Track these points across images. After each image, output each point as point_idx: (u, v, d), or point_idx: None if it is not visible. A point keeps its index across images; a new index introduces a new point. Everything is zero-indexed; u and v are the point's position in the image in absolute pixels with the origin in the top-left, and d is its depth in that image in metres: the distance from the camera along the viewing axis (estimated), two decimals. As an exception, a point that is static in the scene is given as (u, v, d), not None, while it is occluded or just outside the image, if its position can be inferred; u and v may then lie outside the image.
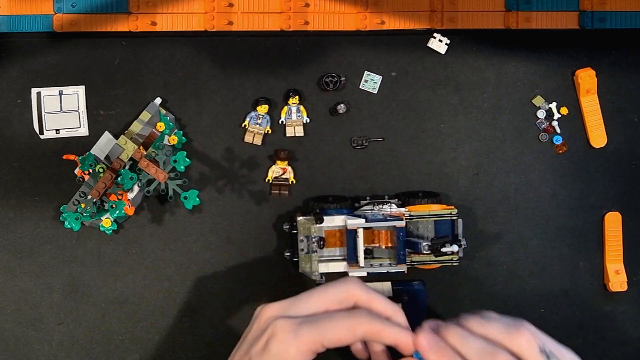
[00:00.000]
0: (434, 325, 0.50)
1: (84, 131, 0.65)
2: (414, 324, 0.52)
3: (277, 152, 0.65)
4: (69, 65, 0.65)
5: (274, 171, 0.66)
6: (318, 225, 0.62)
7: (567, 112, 0.68)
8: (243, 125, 0.66)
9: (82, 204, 0.61)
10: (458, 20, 0.66)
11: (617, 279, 0.68)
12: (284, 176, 0.66)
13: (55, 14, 0.63)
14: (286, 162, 0.66)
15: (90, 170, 0.62)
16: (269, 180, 0.66)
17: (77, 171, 0.64)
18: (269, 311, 0.49)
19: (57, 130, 0.65)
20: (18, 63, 0.65)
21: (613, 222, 0.69)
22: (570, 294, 0.69)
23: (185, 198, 0.62)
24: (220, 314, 0.66)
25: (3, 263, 0.65)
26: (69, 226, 0.63)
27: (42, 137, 0.65)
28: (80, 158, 0.62)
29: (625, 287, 0.68)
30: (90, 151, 0.64)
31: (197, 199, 0.63)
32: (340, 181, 0.67)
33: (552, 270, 0.69)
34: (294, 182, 0.66)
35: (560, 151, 0.69)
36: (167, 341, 0.66)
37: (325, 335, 0.46)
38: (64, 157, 0.64)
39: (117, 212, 0.62)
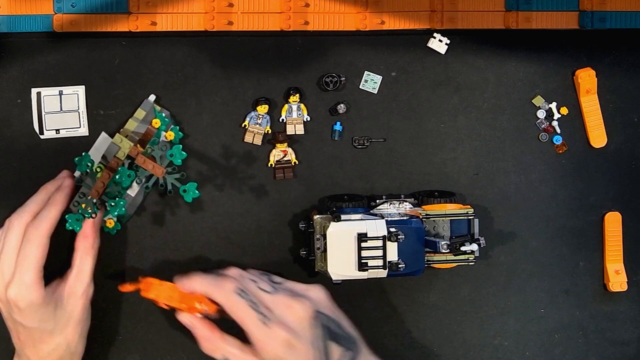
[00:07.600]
0: None
1: (84, 131, 0.65)
2: (413, 262, 0.61)
3: (275, 135, 0.65)
4: (69, 65, 0.65)
5: (275, 155, 0.66)
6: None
7: (567, 112, 0.68)
8: (243, 125, 0.66)
9: (82, 205, 0.61)
10: (458, 20, 0.66)
11: (617, 279, 0.68)
12: (285, 159, 0.66)
13: (55, 14, 0.63)
14: (285, 145, 0.66)
15: (88, 171, 0.62)
16: (271, 164, 0.66)
17: (77, 172, 0.64)
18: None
19: (57, 130, 0.65)
20: (18, 63, 0.65)
21: (613, 222, 0.69)
22: (570, 294, 0.69)
23: (185, 191, 0.62)
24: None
25: (3, 263, 0.65)
26: (70, 227, 0.63)
27: (42, 137, 0.65)
28: (77, 159, 0.62)
29: (625, 287, 0.68)
30: (88, 153, 0.64)
31: (197, 192, 0.62)
32: (340, 181, 0.67)
33: (552, 270, 0.69)
34: (297, 162, 0.66)
35: (560, 151, 0.69)
36: (167, 341, 0.66)
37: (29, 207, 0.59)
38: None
39: (117, 210, 0.62)
